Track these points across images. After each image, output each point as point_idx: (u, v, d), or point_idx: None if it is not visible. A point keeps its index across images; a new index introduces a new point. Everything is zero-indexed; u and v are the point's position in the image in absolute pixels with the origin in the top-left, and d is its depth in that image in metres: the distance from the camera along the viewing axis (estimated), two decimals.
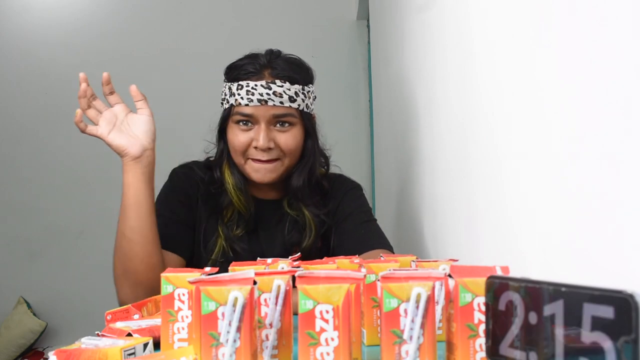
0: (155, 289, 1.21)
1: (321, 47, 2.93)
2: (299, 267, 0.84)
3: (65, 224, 2.86)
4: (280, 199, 1.31)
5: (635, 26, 0.55)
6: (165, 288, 0.76)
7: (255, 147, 1.21)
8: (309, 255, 1.25)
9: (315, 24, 2.93)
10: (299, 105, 1.22)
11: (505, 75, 0.87)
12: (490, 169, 0.95)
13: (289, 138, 1.23)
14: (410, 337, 0.58)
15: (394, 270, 0.65)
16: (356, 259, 0.88)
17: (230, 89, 1.23)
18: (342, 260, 0.87)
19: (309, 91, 1.26)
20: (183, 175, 1.31)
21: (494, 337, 0.57)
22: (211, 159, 1.33)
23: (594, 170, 0.63)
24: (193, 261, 1.28)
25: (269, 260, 0.89)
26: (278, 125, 1.22)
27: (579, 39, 0.66)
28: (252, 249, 1.27)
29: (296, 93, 1.22)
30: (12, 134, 2.88)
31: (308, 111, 1.26)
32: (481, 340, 0.60)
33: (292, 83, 1.21)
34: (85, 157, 2.86)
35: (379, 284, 0.61)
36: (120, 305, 1.19)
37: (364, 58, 2.91)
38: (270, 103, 1.19)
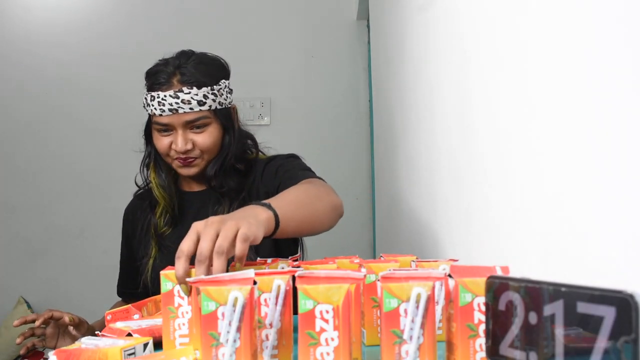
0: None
1: (321, 47, 2.92)
2: (299, 267, 0.84)
3: (66, 224, 2.86)
4: (207, 190, 1.41)
5: (634, 28, 0.55)
6: (165, 285, 0.76)
7: (175, 150, 1.31)
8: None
9: (315, 24, 2.93)
10: (209, 106, 1.30)
11: (506, 75, 0.87)
12: (490, 169, 0.95)
13: (206, 138, 1.32)
14: (410, 337, 0.58)
15: (394, 270, 0.65)
16: (356, 259, 0.88)
17: (146, 99, 1.33)
18: (342, 260, 0.87)
19: (219, 89, 1.32)
20: (125, 213, 1.48)
21: (494, 337, 0.57)
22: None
23: (594, 170, 0.63)
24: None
25: (269, 260, 0.90)
26: (194, 128, 1.31)
27: (579, 40, 0.66)
28: (179, 239, 1.33)
29: (205, 96, 1.29)
30: (12, 134, 2.88)
31: (222, 107, 1.33)
32: (481, 340, 0.60)
33: (199, 87, 1.29)
34: (85, 157, 2.87)
35: (379, 284, 0.61)
36: None
37: (364, 58, 2.90)
38: (180, 111, 1.28)
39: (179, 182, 1.45)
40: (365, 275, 0.71)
